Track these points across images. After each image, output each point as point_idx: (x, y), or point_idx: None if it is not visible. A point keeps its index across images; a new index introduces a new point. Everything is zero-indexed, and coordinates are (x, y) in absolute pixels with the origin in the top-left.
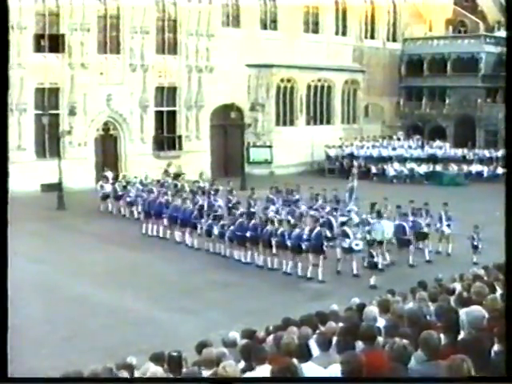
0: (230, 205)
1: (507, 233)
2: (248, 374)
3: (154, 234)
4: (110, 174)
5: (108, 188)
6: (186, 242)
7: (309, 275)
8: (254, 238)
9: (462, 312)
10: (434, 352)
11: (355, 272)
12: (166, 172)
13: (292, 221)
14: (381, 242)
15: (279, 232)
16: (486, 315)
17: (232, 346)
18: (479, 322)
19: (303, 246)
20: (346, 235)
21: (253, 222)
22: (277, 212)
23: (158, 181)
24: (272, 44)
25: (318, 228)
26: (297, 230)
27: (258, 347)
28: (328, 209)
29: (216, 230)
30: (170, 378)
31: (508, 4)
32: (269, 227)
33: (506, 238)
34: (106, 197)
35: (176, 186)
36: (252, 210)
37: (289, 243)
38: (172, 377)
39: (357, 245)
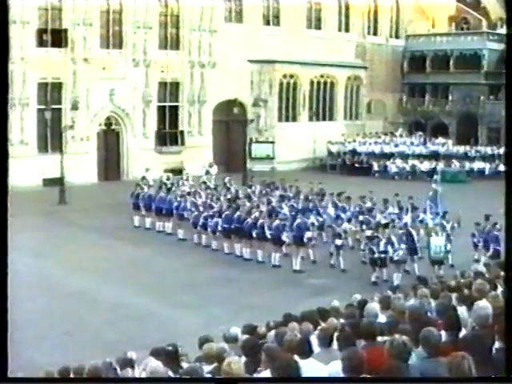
0: (294, 213)
1: (507, 232)
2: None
3: (148, 226)
4: (150, 176)
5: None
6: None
7: (294, 267)
8: (240, 229)
9: (464, 309)
10: (435, 349)
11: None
12: (208, 173)
13: (369, 233)
14: (435, 262)
15: (259, 223)
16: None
17: (233, 341)
18: (485, 318)
19: (284, 238)
20: (391, 244)
21: (237, 213)
22: (349, 221)
23: (204, 182)
24: (275, 40)
25: (298, 220)
26: (276, 222)
27: (270, 347)
28: (407, 219)
29: (200, 222)
30: (171, 377)
31: (508, 1)
32: (249, 219)
33: (506, 237)
34: None
35: (229, 189)
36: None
37: (268, 235)
38: (171, 373)
39: (397, 255)
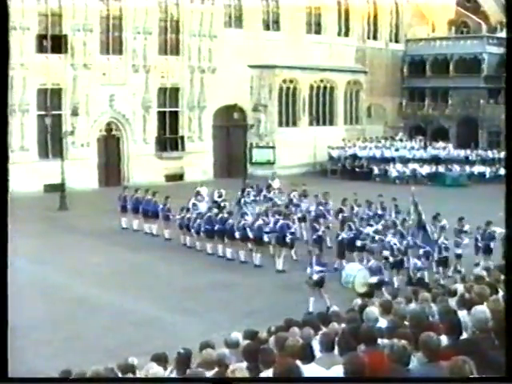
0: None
1: (507, 235)
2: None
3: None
4: (204, 190)
5: (203, 207)
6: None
7: (277, 267)
8: (222, 231)
9: (465, 313)
10: (434, 353)
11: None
12: (270, 187)
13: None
14: (362, 294)
15: (241, 224)
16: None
17: (234, 346)
18: (484, 322)
19: (265, 238)
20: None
21: (220, 215)
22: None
23: (265, 196)
24: (274, 45)
25: (281, 221)
26: (258, 222)
27: (266, 350)
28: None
29: (184, 223)
30: (170, 378)
31: (508, 5)
32: (230, 220)
33: (507, 239)
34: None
35: (298, 206)
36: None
37: (251, 235)
38: (175, 376)
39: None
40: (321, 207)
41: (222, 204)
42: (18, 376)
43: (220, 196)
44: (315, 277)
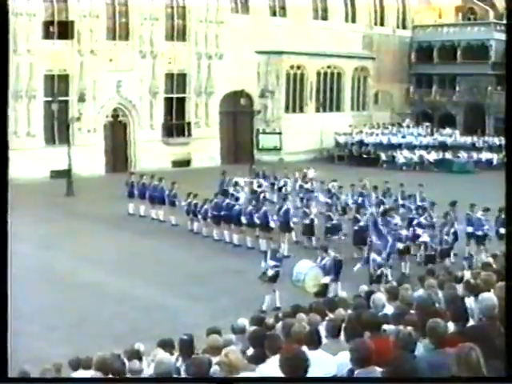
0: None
1: (507, 223)
2: (258, 365)
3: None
4: (241, 180)
5: (241, 197)
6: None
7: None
8: (228, 217)
9: (471, 300)
10: (441, 340)
11: None
12: (305, 177)
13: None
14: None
15: (247, 210)
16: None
17: (241, 332)
18: (491, 309)
19: (272, 224)
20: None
21: (226, 201)
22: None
23: (301, 186)
24: (281, 31)
25: (285, 206)
26: (264, 208)
27: (273, 336)
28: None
29: (191, 209)
30: (170, 377)
31: None
32: (237, 206)
33: (507, 229)
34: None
35: (338, 198)
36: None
37: (257, 220)
38: (182, 365)
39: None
40: (361, 198)
41: (262, 195)
42: (24, 363)
43: (259, 186)
44: (270, 272)
